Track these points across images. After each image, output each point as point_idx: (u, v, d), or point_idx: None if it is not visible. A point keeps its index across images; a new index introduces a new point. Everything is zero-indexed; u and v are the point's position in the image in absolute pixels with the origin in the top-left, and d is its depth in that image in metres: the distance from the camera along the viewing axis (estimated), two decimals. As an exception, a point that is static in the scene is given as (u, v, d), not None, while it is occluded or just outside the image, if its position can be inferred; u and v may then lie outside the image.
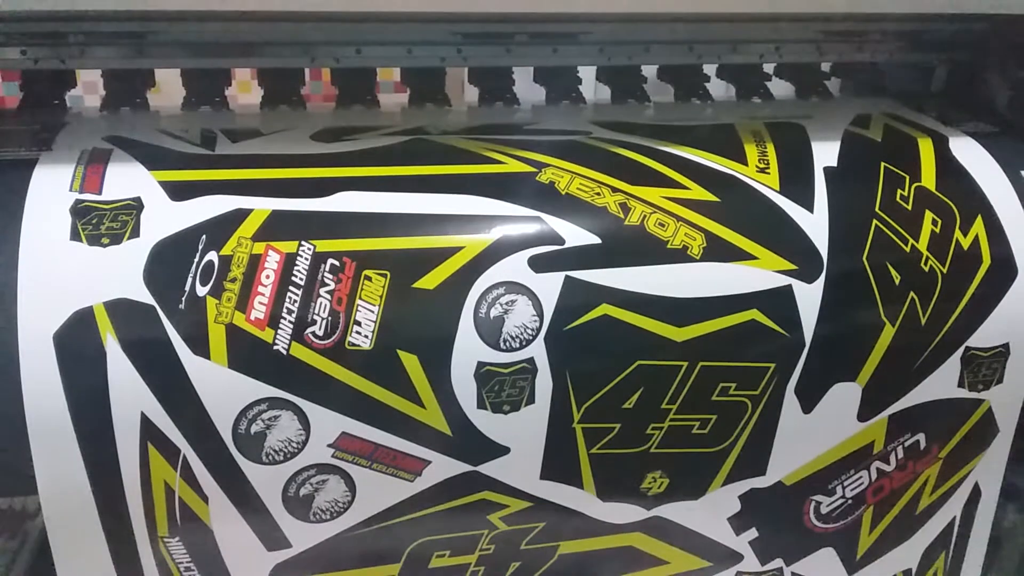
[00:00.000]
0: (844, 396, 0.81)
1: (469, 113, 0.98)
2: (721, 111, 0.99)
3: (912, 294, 0.80)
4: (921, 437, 0.85)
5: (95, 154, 0.76)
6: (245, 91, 1.03)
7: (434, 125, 0.87)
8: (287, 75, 0.93)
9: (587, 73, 1.00)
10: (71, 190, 0.71)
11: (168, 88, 0.93)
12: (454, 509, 0.77)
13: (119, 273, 0.68)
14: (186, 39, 0.86)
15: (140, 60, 0.86)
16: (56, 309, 0.67)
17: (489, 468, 0.76)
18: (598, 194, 0.78)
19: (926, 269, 0.81)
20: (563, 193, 0.77)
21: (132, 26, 0.84)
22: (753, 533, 0.86)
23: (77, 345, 0.67)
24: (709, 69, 1.02)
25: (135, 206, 0.71)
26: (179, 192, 0.73)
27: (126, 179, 0.73)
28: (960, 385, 0.84)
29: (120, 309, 0.67)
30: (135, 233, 0.70)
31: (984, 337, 0.83)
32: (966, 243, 0.82)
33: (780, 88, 1.05)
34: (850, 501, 0.86)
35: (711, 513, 0.84)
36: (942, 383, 0.83)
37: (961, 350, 0.83)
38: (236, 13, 0.80)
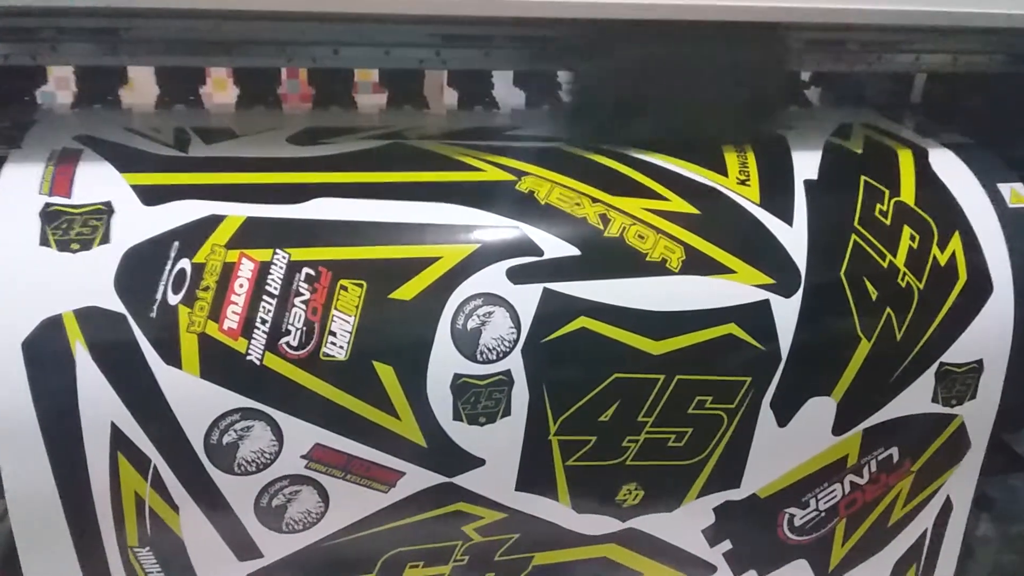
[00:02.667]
0: (819, 410, 0.81)
1: (448, 116, 0.97)
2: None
3: (888, 310, 0.80)
4: (894, 451, 0.85)
5: (65, 155, 0.74)
6: (220, 89, 1.01)
7: (413, 129, 0.86)
8: (263, 74, 0.92)
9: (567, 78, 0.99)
10: (40, 193, 0.70)
11: (141, 85, 0.91)
12: (428, 520, 0.77)
13: (89, 280, 0.67)
14: (160, 36, 0.84)
15: (113, 57, 0.84)
16: (25, 316, 0.65)
17: (464, 480, 0.75)
18: (578, 204, 0.77)
19: (903, 285, 0.81)
20: (543, 203, 0.77)
21: (105, 22, 0.82)
22: (727, 545, 0.86)
23: (46, 353, 0.65)
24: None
25: (106, 211, 0.70)
26: (151, 196, 0.71)
27: (97, 182, 0.72)
28: (934, 400, 0.84)
29: (90, 317, 0.66)
30: (105, 239, 0.68)
31: (958, 353, 0.83)
32: (943, 259, 0.82)
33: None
34: (823, 514, 0.86)
35: (686, 525, 0.84)
36: (916, 398, 0.84)
37: (935, 366, 0.83)
38: (212, 11, 0.78)
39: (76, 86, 0.89)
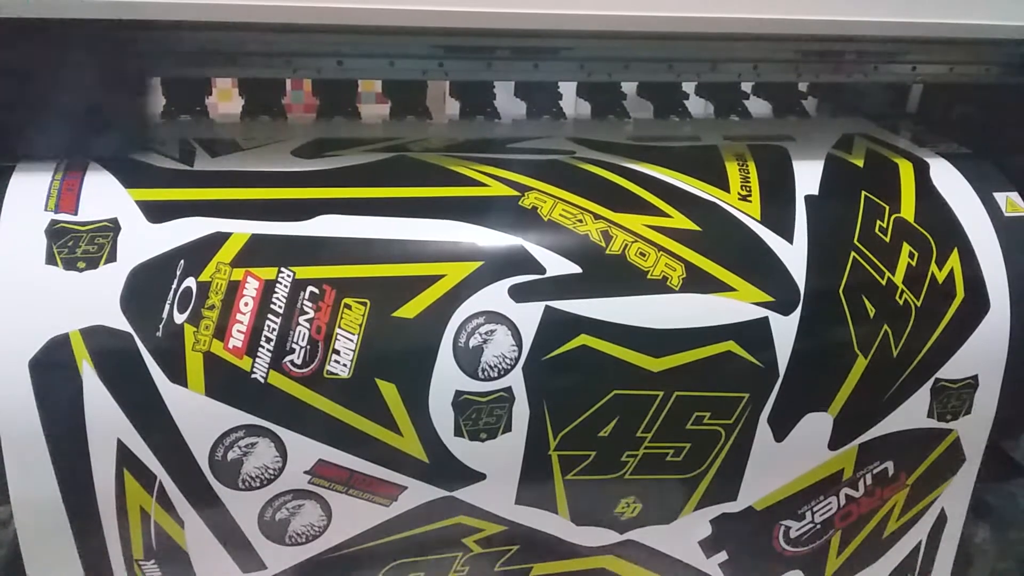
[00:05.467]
0: (816, 425, 0.82)
1: (451, 126, 0.97)
2: (700, 128, 0.99)
3: (886, 327, 0.81)
4: (889, 465, 0.87)
5: (71, 169, 0.74)
6: (226, 99, 1.02)
7: (417, 140, 0.87)
8: (268, 85, 0.92)
9: (568, 89, 1.00)
10: (46, 210, 0.70)
11: (147, 96, 0.91)
12: (429, 533, 0.78)
13: (95, 299, 0.67)
14: (166, 47, 0.85)
15: (119, 68, 0.85)
16: (32, 335, 0.66)
17: (465, 493, 0.76)
18: (580, 221, 0.78)
19: (901, 302, 0.82)
20: (545, 219, 0.77)
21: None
22: (723, 556, 0.87)
23: (53, 372, 0.66)
24: (688, 87, 1.02)
25: (112, 228, 0.70)
26: (157, 213, 0.72)
27: (103, 198, 0.72)
28: (929, 415, 0.85)
29: (96, 336, 0.67)
30: (112, 257, 0.69)
31: (954, 369, 0.84)
32: (941, 276, 0.83)
33: (758, 106, 1.05)
34: (819, 526, 0.87)
35: (682, 536, 0.85)
36: (912, 413, 0.85)
37: (931, 381, 0.84)
38: (218, 23, 0.79)
39: (82, 96, 0.89)
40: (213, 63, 0.86)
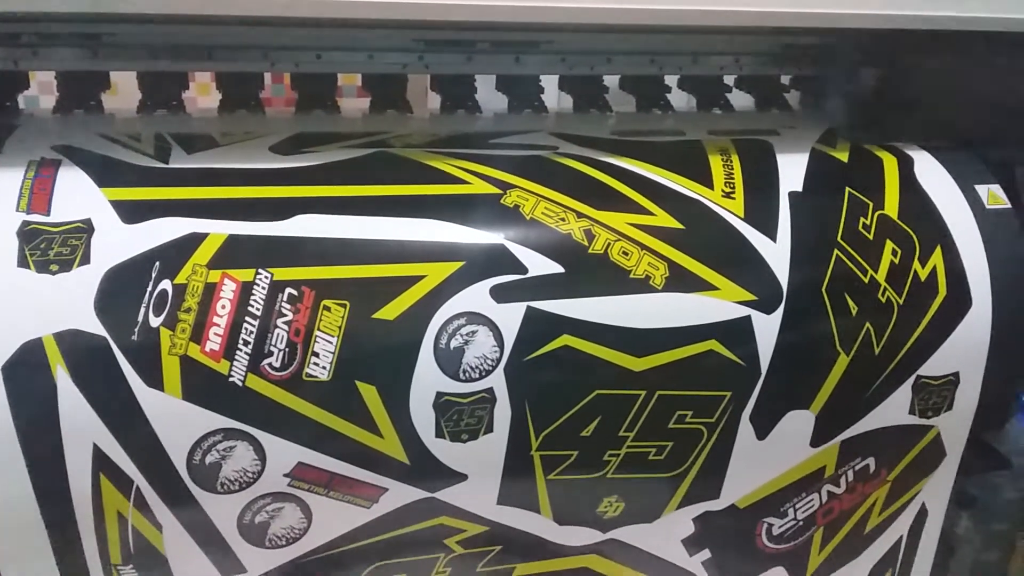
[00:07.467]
0: (797, 423, 0.82)
1: (432, 121, 0.96)
2: (683, 122, 0.98)
3: (868, 325, 0.81)
4: (871, 461, 0.87)
5: (43, 166, 0.73)
6: (204, 93, 1.00)
7: (398, 136, 0.86)
8: (246, 79, 0.91)
9: (549, 82, 0.99)
10: (18, 210, 0.69)
11: (124, 90, 0.90)
12: (411, 534, 0.77)
13: (69, 303, 0.66)
14: (143, 41, 0.83)
15: (95, 62, 0.83)
16: (4, 341, 0.65)
17: (446, 494, 0.76)
18: (563, 219, 0.77)
19: (883, 300, 0.81)
20: (528, 218, 0.76)
21: (87, 27, 0.81)
22: (706, 554, 0.87)
23: (27, 377, 0.65)
24: (670, 80, 1.01)
25: (85, 229, 0.69)
26: (131, 213, 0.70)
27: (76, 198, 0.71)
28: (911, 412, 0.85)
29: (70, 340, 0.66)
30: (85, 259, 0.67)
31: (935, 366, 0.84)
32: (924, 274, 0.83)
33: (740, 99, 1.04)
34: (801, 523, 0.87)
35: (665, 535, 0.85)
36: (893, 410, 0.84)
37: (912, 378, 0.84)
38: (195, 16, 0.77)
39: (58, 91, 0.88)
40: (189, 57, 0.86)
